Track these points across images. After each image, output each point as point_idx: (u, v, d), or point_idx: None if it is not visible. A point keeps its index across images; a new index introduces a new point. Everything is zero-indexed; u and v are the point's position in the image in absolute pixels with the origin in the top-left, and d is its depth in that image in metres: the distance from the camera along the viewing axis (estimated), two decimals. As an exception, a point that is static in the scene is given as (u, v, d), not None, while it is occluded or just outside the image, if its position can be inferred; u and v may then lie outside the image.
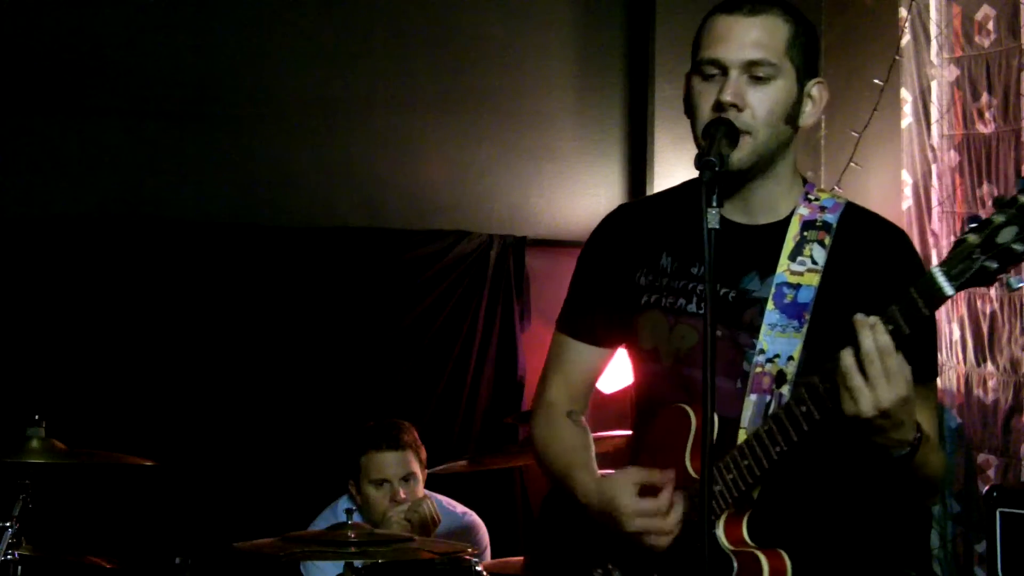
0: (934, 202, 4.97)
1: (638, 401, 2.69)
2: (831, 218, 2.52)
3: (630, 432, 2.77)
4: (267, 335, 5.36)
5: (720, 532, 2.43)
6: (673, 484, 2.45)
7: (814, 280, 2.48)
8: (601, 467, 2.62)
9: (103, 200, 5.31)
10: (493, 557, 4.61)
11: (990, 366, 4.72)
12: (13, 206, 5.21)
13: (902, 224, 4.97)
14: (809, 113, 2.54)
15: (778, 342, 2.46)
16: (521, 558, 4.54)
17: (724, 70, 2.46)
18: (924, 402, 2.44)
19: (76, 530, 4.76)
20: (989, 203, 2.16)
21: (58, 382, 5.07)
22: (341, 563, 3.78)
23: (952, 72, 4.93)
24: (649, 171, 5.69)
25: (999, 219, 2.09)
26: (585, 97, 5.85)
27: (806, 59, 2.51)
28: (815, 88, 2.53)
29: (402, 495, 4.38)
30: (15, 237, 5.15)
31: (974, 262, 2.11)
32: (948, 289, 2.14)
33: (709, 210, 2.25)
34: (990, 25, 4.76)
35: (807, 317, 2.45)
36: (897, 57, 5.12)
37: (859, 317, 2.22)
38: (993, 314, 4.71)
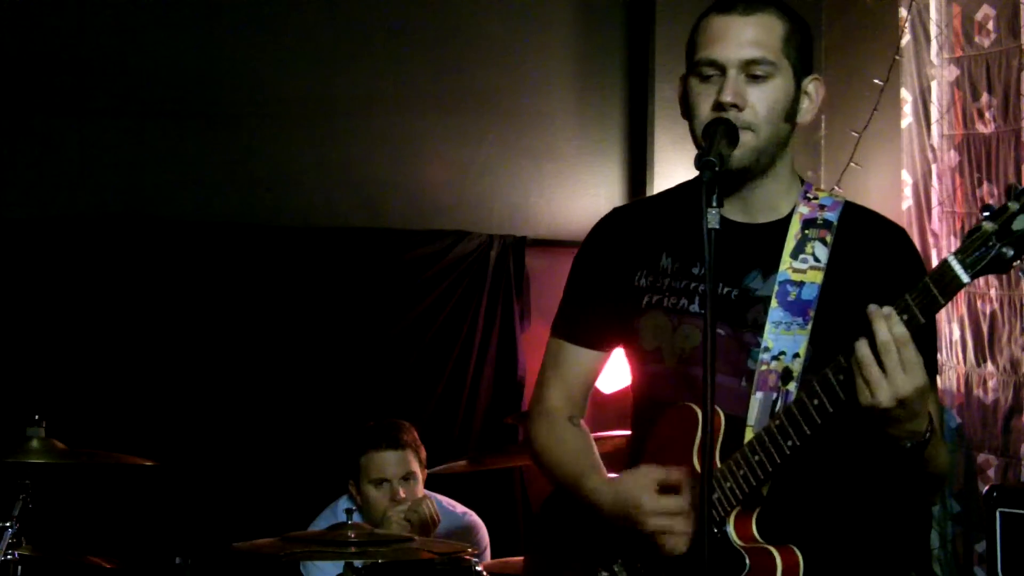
0: (934, 202, 4.97)
1: (638, 402, 2.68)
2: (831, 216, 2.53)
3: (630, 432, 2.76)
4: (267, 335, 5.36)
5: (731, 529, 2.43)
6: (689, 484, 2.44)
7: (817, 277, 2.48)
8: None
9: (103, 200, 5.31)
10: (493, 557, 4.61)
11: (990, 366, 4.72)
12: (13, 206, 5.21)
13: (902, 224, 4.98)
14: (807, 110, 2.55)
15: (783, 339, 2.46)
16: (521, 558, 4.54)
17: (722, 70, 2.47)
18: (929, 396, 2.45)
19: (76, 530, 4.76)
20: (990, 202, 2.16)
21: (58, 382, 5.07)
22: (341, 563, 3.78)
23: (952, 72, 4.93)
24: (649, 171, 5.69)
25: (1014, 207, 2.10)
26: (585, 97, 5.85)
27: (801, 56, 2.52)
28: (812, 85, 2.55)
29: (402, 495, 4.38)
30: (15, 237, 5.15)
31: (990, 249, 2.12)
32: (964, 277, 2.14)
33: (709, 210, 2.25)
34: (990, 25, 4.76)
35: (811, 314, 2.46)
36: (897, 57, 5.12)
37: (873, 308, 2.22)
38: (993, 314, 4.71)
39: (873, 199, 5.20)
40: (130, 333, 5.22)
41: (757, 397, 2.45)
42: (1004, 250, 2.11)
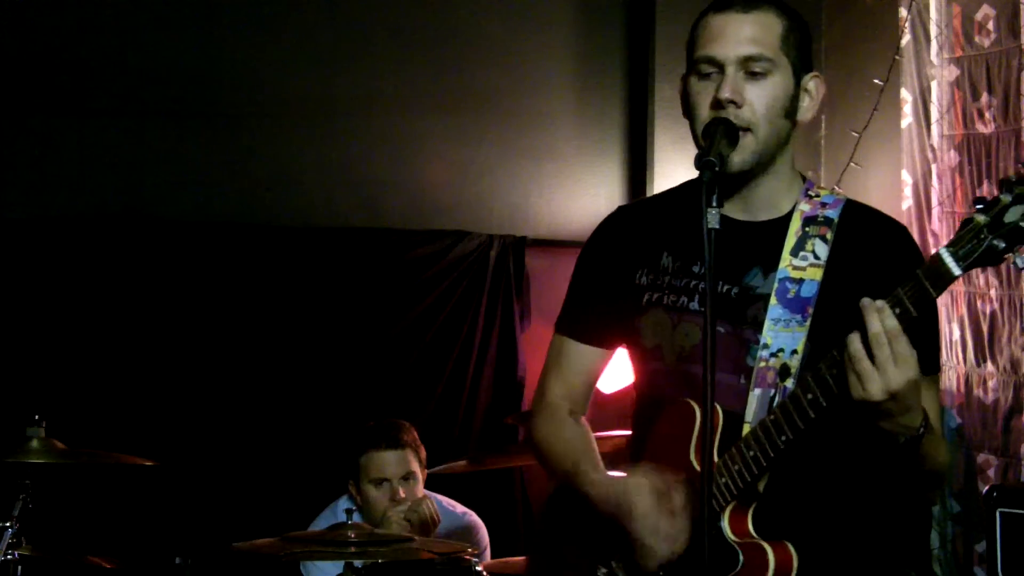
0: (934, 202, 4.97)
1: (640, 399, 2.70)
2: (832, 213, 2.54)
3: (631, 431, 2.77)
4: (267, 335, 5.36)
5: (725, 524, 2.43)
6: (684, 499, 2.45)
7: (817, 274, 2.49)
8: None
9: (103, 200, 5.31)
10: (493, 557, 4.61)
11: (990, 366, 4.72)
12: (13, 206, 5.21)
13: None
14: (807, 108, 2.55)
15: (782, 336, 2.47)
16: (521, 558, 4.54)
17: (720, 67, 2.47)
18: (927, 394, 2.44)
19: (76, 530, 4.76)
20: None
21: (58, 382, 5.07)
22: (341, 563, 3.78)
23: (952, 72, 4.93)
24: (649, 171, 5.69)
25: (1006, 199, 2.10)
26: (585, 97, 5.85)
27: (801, 54, 2.52)
28: (812, 82, 2.55)
29: (402, 495, 4.38)
30: (15, 237, 5.15)
31: (982, 242, 2.12)
32: (956, 269, 2.15)
33: (709, 210, 2.25)
34: (990, 25, 4.76)
35: (810, 311, 2.46)
36: (897, 57, 5.12)
37: (866, 301, 2.23)
38: (993, 314, 4.71)
39: (873, 199, 5.19)
40: (130, 333, 5.22)
41: (755, 394, 2.46)
42: (995, 242, 2.12)
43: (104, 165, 5.35)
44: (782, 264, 2.51)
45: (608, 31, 5.89)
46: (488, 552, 4.61)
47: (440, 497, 4.56)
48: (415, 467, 4.46)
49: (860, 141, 5.25)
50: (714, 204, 2.26)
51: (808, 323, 2.45)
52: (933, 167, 4.98)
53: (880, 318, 2.21)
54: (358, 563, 3.76)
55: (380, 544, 3.73)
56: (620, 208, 2.81)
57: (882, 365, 2.21)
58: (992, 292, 4.67)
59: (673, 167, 5.60)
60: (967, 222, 2.14)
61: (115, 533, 4.91)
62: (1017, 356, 4.62)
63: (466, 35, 5.74)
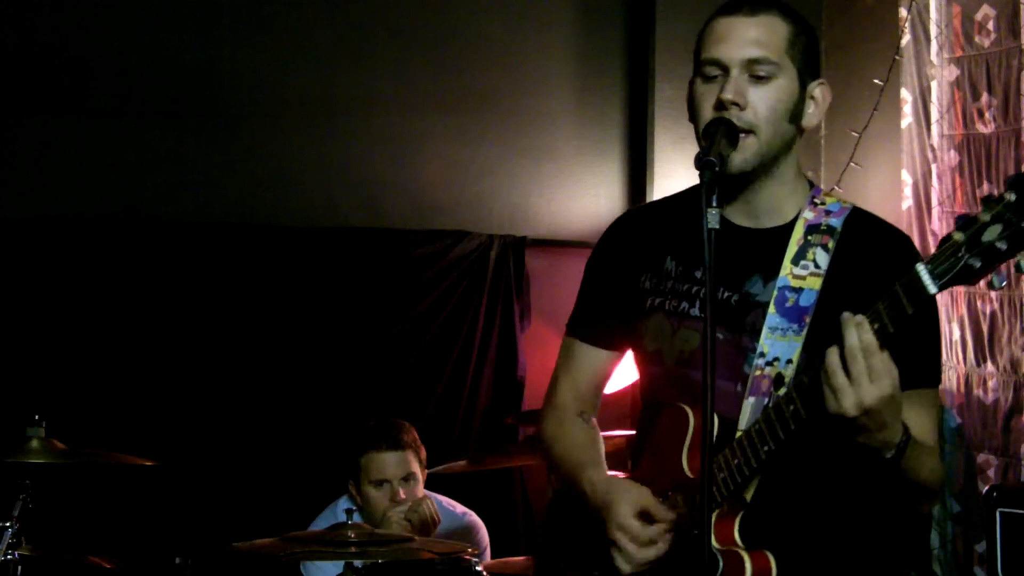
0: (934, 202, 4.97)
1: (643, 401, 2.71)
2: (836, 222, 2.52)
3: (632, 432, 2.79)
4: (267, 335, 5.36)
5: (711, 532, 2.43)
6: (668, 523, 2.47)
7: (816, 284, 2.47)
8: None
9: (103, 200, 5.31)
10: (493, 557, 4.61)
11: (990, 366, 4.73)
12: (13, 206, 5.21)
13: (902, 224, 5.00)
14: (812, 114, 2.54)
15: (778, 345, 2.46)
16: (521, 558, 4.54)
17: (725, 70, 2.47)
18: (921, 406, 2.44)
19: (76, 530, 4.76)
20: (1007, 178, 2.11)
21: (58, 382, 5.07)
22: (341, 563, 3.78)
23: (952, 72, 4.93)
24: (649, 171, 5.69)
25: (985, 217, 2.06)
26: (585, 97, 5.85)
27: (807, 60, 2.51)
28: (818, 89, 2.54)
29: (402, 495, 4.38)
30: (15, 237, 5.15)
31: (959, 260, 2.09)
32: (931, 287, 2.12)
33: (709, 210, 2.25)
34: (990, 25, 4.77)
35: (807, 321, 2.45)
36: (897, 57, 5.12)
37: (846, 315, 2.21)
38: (993, 314, 4.71)
39: (873, 199, 5.20)
40: (130, 333, 5.22)
41: (750, 401, 2.45)
42: (971, 262, 2.08)
43: (104, 165, 5.35)
44: (782, 272, 2.50)
45: (608, 31, 5.89)
46: (488, 552, 4.61)
47: (440, 497, 4.56)
48: (415, 468, 4.46)
49: (860, 141, 5.25)
50: (714, 204, 2.26)
51: (804, 333, 2.44)
52: (933, 167, 4.98)
53: (858, 333, 2.19)
54: (358, 563, 3.76)
55: (380, 544, 3.73)
56: (628, 211, 2.84)
57: (857, 380, 2.20)
58: (992, 292, 4.67)
59: (673, 167, 5.60)
60: (946, 239, 2.11)
61: (115, 533, 4.91)
62: (1017, 356, 4.62)
63: (466, 35, 5.74)
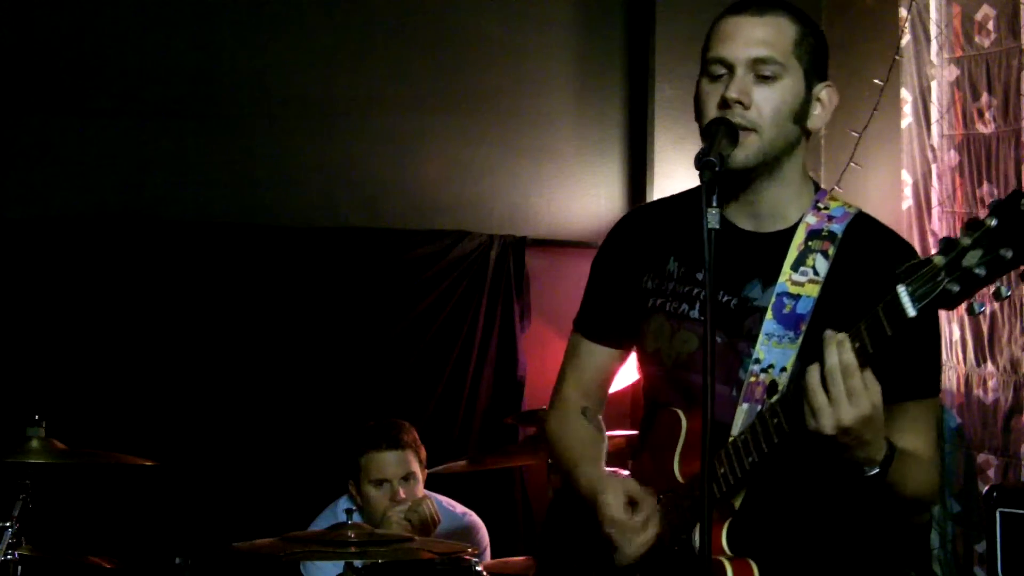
0: (934, 202, 4.97)
1: (644, 402, 2.71)
2: (837, 228, 2.49)
3: (632, 432, 2.80)
4: (267, 335, 5.36)
5: (696, 538, 2.42)
6: (654, 506, 2.48)
7: (814, 291, 2.45)
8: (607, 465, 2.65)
9: (103, 200, 5.31)
10: (493, 557, 4.61)
11: (990, 366, 4.73)
12: (13, 206, 5.21)
13: (902, 224, 5.00)
14: (818, 116, 2.51)
15: (774, 352, 2.44)
16: (521, 558, 4.54)
17: (730, 69, 2.45)
18: (918, 418, 2.44)
19: (76, 530, 4.76)
20: (990, 200, 2.07)
21: (58, 382, 5.07)
22: (341, 563, 3.78)
23: (952, 72, 4.93)
24: (649, 171, 5.69)
25: (966, 241, 2.04)
26: (585, 97, 5.85)
27: (814, 61, 2.49)
28: (825, 92, 2.52)
29: (402, 495, 4.38)
30: (15, 237, 5.15)
31: (938, 284, 2.06)
32: (911, 309, 2.09)
33: (709, 210, 2.24)
34: (990, 25, 4.77)
35: (803, 328, 2.43)
36: (897, 57, 5.12)
37: (828, 333, 2.20)
38: (993, 314, 4.71)
39: (873, 199, 5.20)
40: (130, 333, 5.22)
41: (743, 407, 2.44)
42: (950, 286, 2.05)
43: (104, 165, 5.34)
44: (781, 278, 2.48)
45: (608, 31, 5.89)
46: (488, 552, 4.61)
47: (440, 497, 4.56)
48: (415, 467, 4.46)
49: (860, 141, 5.25)
50: (714, 204, 2.25)
51: (800, 340, 2.42)
52: (933, 167, 4.98)
53: (838, 352, 2.18)
54: (358, 563, 3.76)
55: (380, 544, 3.73)
56: (635, 209, 2.84)
57: (835, 400, 2.19)
58: (992, 292, 4.67)
59: (673, 167, 5.60)
60: (926, 262, 2.08)
61: (115, 533, 4.91)
62: (1017, 356, 4.62)
63: (466, 35, 5.74)
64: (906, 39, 5.09)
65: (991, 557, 4.08)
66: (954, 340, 4.84)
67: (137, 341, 5.22)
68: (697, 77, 2.54)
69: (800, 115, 2.48)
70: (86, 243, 5.21)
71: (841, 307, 2.36)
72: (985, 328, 4.74)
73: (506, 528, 5.16)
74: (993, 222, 2.01)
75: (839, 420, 2.19)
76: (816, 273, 2.46)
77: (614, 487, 2.51)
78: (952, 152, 4.91)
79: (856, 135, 5.25)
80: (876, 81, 5.18)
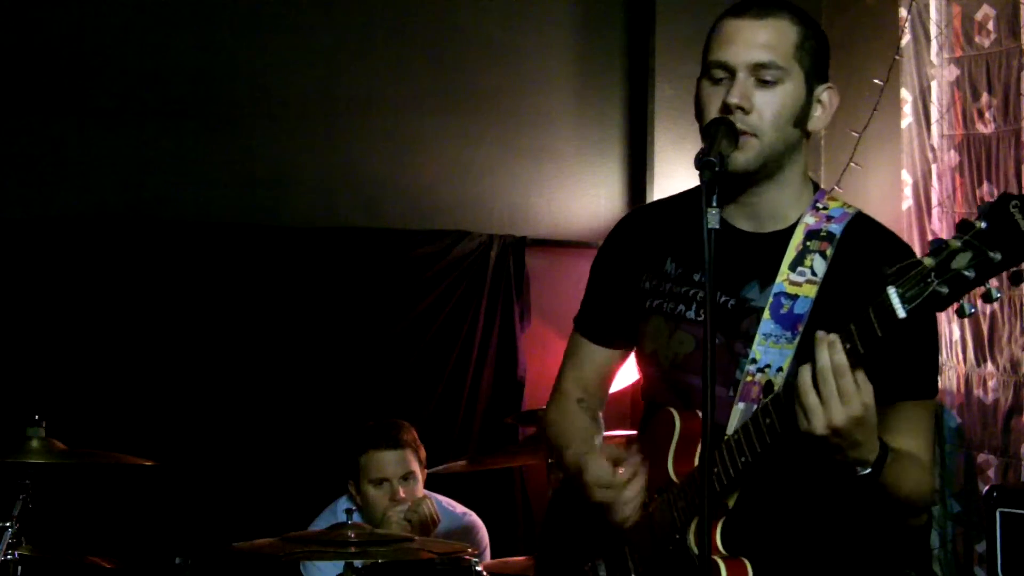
0: (934, 202, 4.97)
1: (643, 402, 2.72)
2: (835, 228, 2.49)
3: (632, 432, 2.80)
4: (267, 335, 5.36)
5: (691, 537, 2.43)
6: (638, 459, 2.49)
7: (811, 292, 2.45)
8: None
9: (103, 200, 5.31)
10: (493, 557, 4.61)
11: (990, 366, 4.73)
12: (13, 206, 5.21)
13: (902, 224, 5.00)
14: (819, 118, 2.51)
15: (770, 352, 2.44)
16: (521, 558, 4.54)
17: (732, 72, 2.44)
18: (914, 419, 2.43)
19: (76, 530, 4.76)
20: (979, 206, 2.06)
21: (58, 382, 5.07)
22: (341, 563, 3.78)
23: (952, 72, 4.93)
24: (649, 171, 5.69)
25: (956, 244, 2.03)
26: (585, 97, 5.85)
27: (815, 63, 2.48)
28: (826, 94, 2.51)
29: (402, 494, 4.38)
30: (15, 237, 5.15)
31: (927, 285, 2.05)
32: (901, 311, 2.08)
33: (709, 210, 2.24)
34: (990, 25, 4.77)
35: (800, 329, 2.42)
36: (897, 57, 5.12)
37: (820, 333, 2.20)
38: (993, 314, 4.71)
39: (873, 199, 5.20)
40: (130, 333, 5.22)
41: (739, 407, 2.44)
42: (939, 288, 2.04)
43: (104, 165, 5.35)
44: (779, 278, 2.47)
45: (608, 31, 5.89)
46: (488, 552, 4.61)
47: (440, 497, 4.56)
48: (415, 467, 4.46)
49: (860, 141, 5.25)
50: (714, 204, 2.24)
51: (797, 341, 2.42)
52: (933, 167, 4.98)
53: (829, 352, 2.17)
54: (358, 563, 3.76)
55: (380, 544, 3.73)
56: (634, 210, 2.85)
57: (827, 400, 2.18)
58: (982, 295, 4.67)
59: (673, 167, 5.60)
60: (916, 263, 2.07)
61: (115, 533, 4.91)
62: (1017, 356, 4.62)
63: (466, 35, 5.74)
64: (906, 39, 5.09)
65: (991, 557, 4.08)
66: (954, 340, 4.84)
67: (137, 341, 5.22)
68: (698, 77, 2.53)
69: (801, 118, 2.48)
70: (86, 243, 5.21)
71: (839, 308, 2.35)
72: (985, 328, 4.74)
73: (506, 528, 5.16)
74: (983, 224, 2.01)
75: (830, 420, 2.18)
76: (814, 273, 2.46)
77: (595, 456, 2.53)
78: (952, 152, 4.91)
79: (856, 135, 5.25)
80: (876, 81, 5.18)
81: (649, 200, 5.44)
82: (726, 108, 2.42)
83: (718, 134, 2.38)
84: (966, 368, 4.81)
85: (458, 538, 4.40)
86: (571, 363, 2.80)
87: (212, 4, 5.49)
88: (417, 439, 4.52)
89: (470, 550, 3.94)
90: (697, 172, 2.30)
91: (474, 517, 4.62)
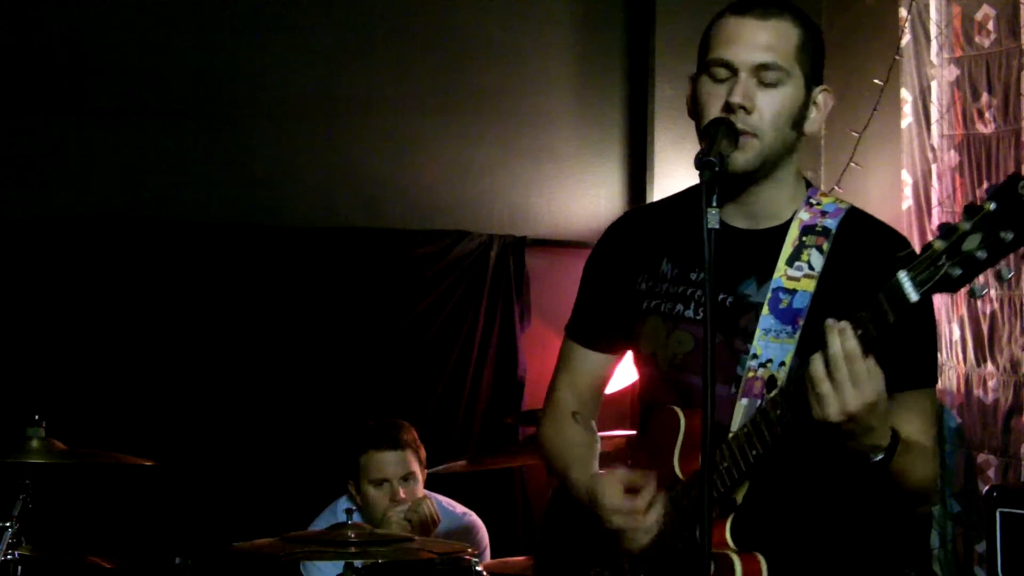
0: (934, 202, 4.97)
1: (641, 403, 2.71)
2: (831, 223, 2.50)
3: (632, 432, 2.80)
4: (267, 335, 5.36)
5: (699, 533, 2.42)
6: (654, 485, 2.47)
7: (810, 286, 2.46)
8: (602, 467, 2.64)
9: (103, 200, 5.31)
10: (493, 557, 4.61)
11: (990, 366, 4.73)
12: (13, 206, 5.21)
13: (902, 224, 5.00)
14: (814, 120, 2.52)
15: (771, 347, 2.45)
16: (521, 558, 4.54)
17: (734, 72, 2.44)
18: (916, 407, 2.44)
19: (76, 530, 4.76)
20: (987, 188, 2.08)
21: (58, 382, 5.07)
22: (341, 563, 3.78)
23: (952, 72, 4.93)
24: (649, 171, 5.69)
25: (965, 226, 2.05)
26: (585, 97, 5.85)
27: (814, 65, 2.50)
28: (821, 95, 2.52)
29: (402, 495, 4.38)
30: (15, 237, 5.15)
31: (939, 268, 2.07)
32: (913, 295, 2.10)
33: (709, 210, 2.24)
34: (990, 25, 4.77)
35: (800, 323, 2.43)
36: (897, 57, 5.12)
37: (830, 321, 2.20)
38: (993, 314, 4.71)
39: (873, 199, 5.20)
40: (130, 333, 5.22)
41: (742, 403, 2.44)
42: (951, 270, 2.06)
43: (104, 165, 5.35)
44: (776, 274, 2.48)
45: (608, 31, 5.89)
46: (488, 552, 4.61)
47: (440, 497, 4.56)
48: (415, 467, 4.46)
49: (860, 141, 5.25)
50: (714, 204, 2.24)
51: (798, 335, 2.43)
52: (933, 167, 4.98)
53: (841, 339, 2.18)
54: (358, 563, 3.76)
55: (380, 544, 3.73)
56: (628, 212, 2.84)
57: (840, 387, 2.19)
58: (992, 292, 4.67)
59: (673, 167, 5.60)
60: (927, 247, 2.09)
61: (115, 533, 4.91)
62: (1017, 356, 4.62)
63: (466, 35, 5.74)
64: (906, 39, 5.09)
65: (991, 557, 4.08)
66: (954, 340, 4.84)
67: (137, 341, 5.22)
68: (693, 74, 2.53)
69: (798, 119, 2.49)
70: (86, 243, 5.21)
71: (838, 300, 2.36)
72: (985, 328, 4.74)
73: (506, 528, 5.16)
74: (992, 206, 2.03)
75: (844, 406, 2.19)
76: (811, 268, 2.47)
77: (608, 481, 2.51)
78: (952, 152, 4.91)
79: (856, 135, 5.26)
80: (876, 81, 5.18)
81: (649, 200, 5.43)
82: (728, 107, 2.43)
83: (718, 134, 2.38)
84: (966, 368, 4.81)
85: (458, 538, 4.40)
86: (564, 372, 2.78)
87: (212, 4, 5.49)
88: (417, 439, 4.52)
89: (470, 550, 3.94)
90: (697, 172, 2.29)
91: (474, 517, 4.62)
